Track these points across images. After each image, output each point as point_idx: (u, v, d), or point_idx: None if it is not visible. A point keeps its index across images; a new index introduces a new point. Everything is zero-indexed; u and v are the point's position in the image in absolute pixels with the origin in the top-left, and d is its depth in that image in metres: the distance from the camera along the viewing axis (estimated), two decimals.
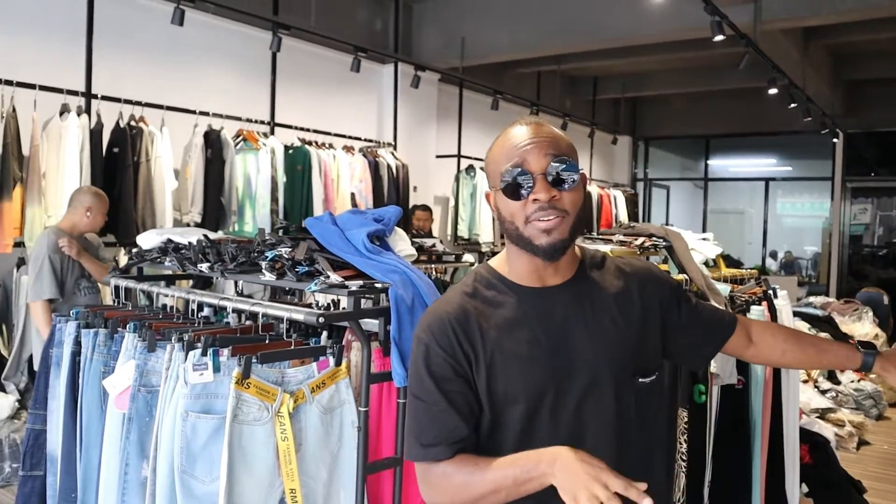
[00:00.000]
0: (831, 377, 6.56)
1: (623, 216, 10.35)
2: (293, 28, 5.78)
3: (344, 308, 2.14)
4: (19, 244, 4.32)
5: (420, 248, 4.49)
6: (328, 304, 2.64)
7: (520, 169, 1.32)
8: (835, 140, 10.61)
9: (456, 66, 7.66)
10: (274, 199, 5.68)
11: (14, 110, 4.31)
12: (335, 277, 1.97)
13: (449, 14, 7.69)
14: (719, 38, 5.23)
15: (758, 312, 3.13)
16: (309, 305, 2.53)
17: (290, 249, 2.13)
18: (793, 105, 7.80)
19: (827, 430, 4.72)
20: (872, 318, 7.95)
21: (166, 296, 2.51)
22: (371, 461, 2.08)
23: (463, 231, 8.16)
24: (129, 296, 2.78)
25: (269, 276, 2.13)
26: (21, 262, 4.38)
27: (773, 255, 12.69)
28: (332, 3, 6.88)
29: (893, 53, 9.07)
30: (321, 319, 1.87)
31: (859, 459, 5.29)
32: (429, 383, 1.34)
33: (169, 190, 4.95)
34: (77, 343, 2.38)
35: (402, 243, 2.31)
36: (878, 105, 10.43)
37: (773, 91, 7.00)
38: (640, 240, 3.14)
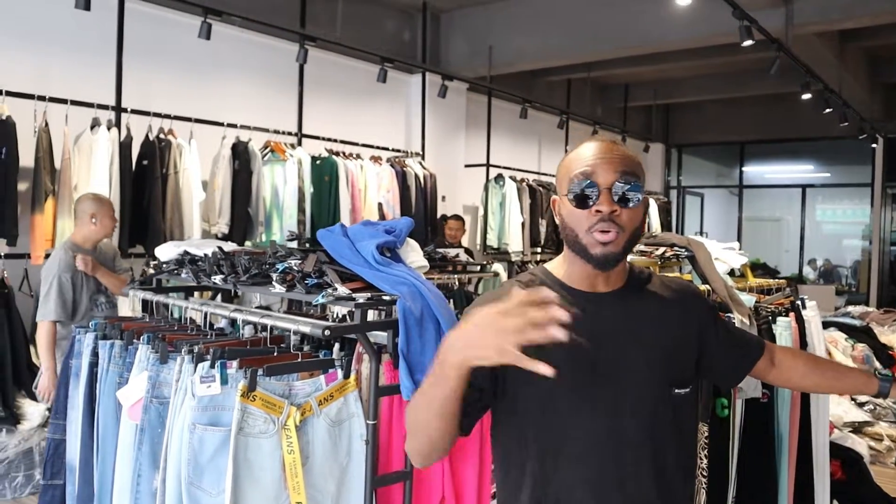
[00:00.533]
0: None
1: (655, 225, 10.22)
2: (319, 39, 5.83)
3: (354, 320, 2.13)
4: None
5: (444, 259, 4.48)
6: (344, 316, 2.64)
7: (589, 180, 1.39)
8: (874, 145, 10.35)
9: (484, 74, 7.66)
10: (301, 210, 5.72)
11: (46, 125, 4.41)
12: (342, 289, 1.97)
13: (477, 23, 7.69)
14: (748, 42, 5.14)
15: (784, 324, 3.05)
16: (325, 318, 2.54)
17: (300, 261, 2.13)
18: (828, 110, 7.63)
19: (860, 445, 4.57)
20: None
21: (186, 307, 2.53)
22: (380, 474, 2.07)
23: (492, 240, 8.12)
24: (154, 308, 2.82)
25: (279, 289, 2.13)
26: None
27: (812, 263, 12.41)
28: (360, 15, 6.93)
29: None
30: (327, 332, 1.87)
31: None
32: None
33: (197, 201, 5.01)
34: (95, 354, 2.41)
35: (413, 255, 2.30)
36: None
37: (806, 96, 6.86)
38: (661, 250, 3.09)
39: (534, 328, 1.10)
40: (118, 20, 4.85)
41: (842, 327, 7.09)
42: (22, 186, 4.38)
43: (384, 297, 2.02)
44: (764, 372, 1.71)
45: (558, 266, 1.53)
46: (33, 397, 4.24)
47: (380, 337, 2.05)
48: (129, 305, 4.21)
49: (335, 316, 2.65)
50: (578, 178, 1.40)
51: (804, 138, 11.25)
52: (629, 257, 1.56)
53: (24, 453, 4.05)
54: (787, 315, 3.13)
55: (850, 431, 5.08)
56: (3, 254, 4.32)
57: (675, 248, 3.12)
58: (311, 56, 5.76)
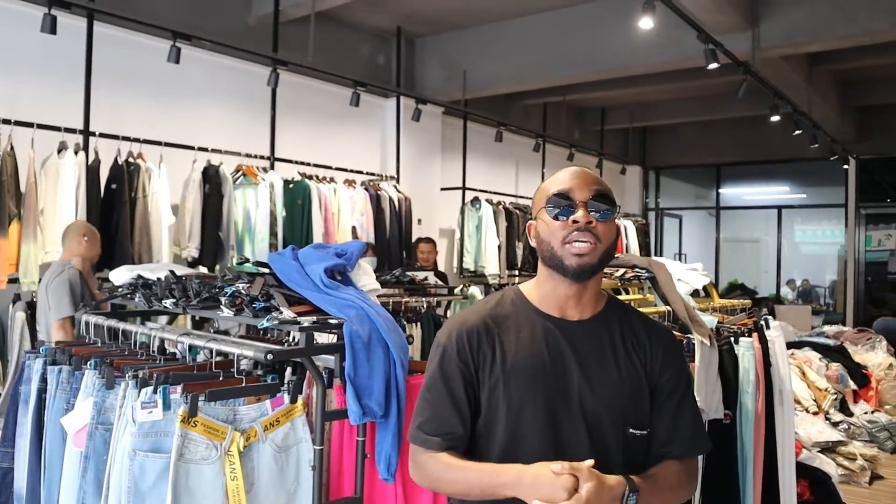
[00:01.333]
0: (843, 409, 6.40)
1: (634, 247, 10.26)
2: (291, 64, 5.85)
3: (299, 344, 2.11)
4: (14, 280, 4.35)
5: (412, 282, 4.48)
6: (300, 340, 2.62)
7: (566, 194, 1.48)
8: (846, 166, 10.48)
9: (459, 98, 7.70)
10: (273, 234, 5.70)
11: (12, 148, 4.37)
12: (288, 313, 1.95)
13: (451, 47, 7.75)
14: (713, 66, 5.21)
15: (746, 344, 3.06)
16: (280, 342, 2.52)
17: (247, 285, 2.11)
18: (798, 132, 7.72)
19: (829, 465, 4.57)
20: (887, 346, 7.77)
21: (135, 332, 2.50)
22: (331, 500, 2.04)
23: (469, 263, 8.12)
24: (111, 334, 2.78)
25: (227, 312, 2.11)
26: (17, 298, 4.42)
27: (790, 283, 12.49)
28: (334, 39, 6.96)
29: None
30: (269, 356, 1.85)
31: (872, 495, 5.12)
32: (438, 381, 1.51)
33: (166, 225, 4.98)
34: (44, 380, 2.38)
35: (365, 278, 2.29)
36: (890, 130, 10.30)
37: (775, 118, 6.94)
38: (621, 271, 3.09)
39: None
40: (87, 43, 4.84)
41: (816, 347, 7.12)
42: None
43: (330, 321, 2.00)
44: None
45: (531, 289, 1.59)
46: None
47: (327, 360, 2.03)
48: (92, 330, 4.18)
49: (293, 340, 2.63)
50: (557, 194, 1.49)
51: (779, 160, 11.37)
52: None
53: None
54: (749, 335, 3.13)
55: (818, 451, 5.08)
56: None
57: (636, 270, 3.12)
58: (284, 79, 5.77)
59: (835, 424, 6.08)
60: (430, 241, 7.10)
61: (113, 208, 4.81)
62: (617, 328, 1.55)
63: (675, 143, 12.13)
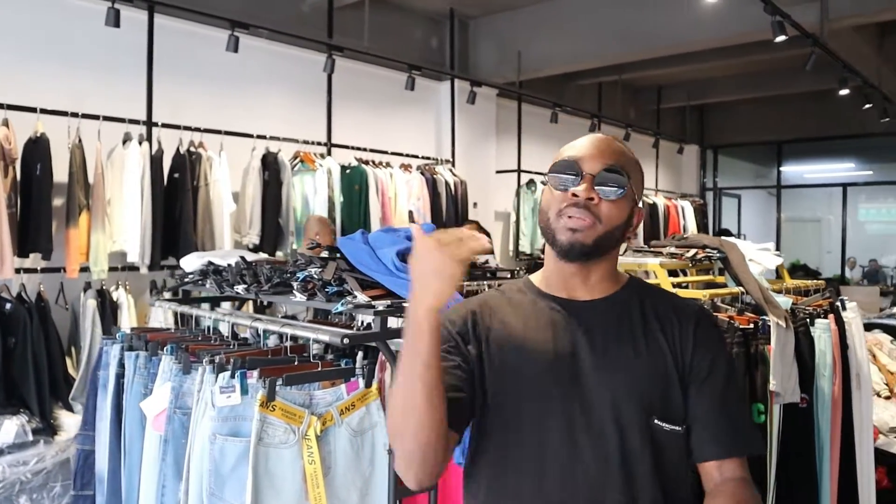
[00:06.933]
0: None
1: (692, 227, 10.04)
2: (347, 49, 5.85)
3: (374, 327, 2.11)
4: (85, 269, 4.47)
5: (473, 265, 4.44)
6: (369, 324, 2.62)
7: (573, 164, 1.33)
8: None
9: (513, 80, 7.62)
10: (331, 219, 5.73)
11: (80, 141, 4.48)
12: (362, 297, 1.95)
13: (504, 29, 7.66)
14: (781, 38, 5.02)
15: (823, 326, 2.95)
16: (351, 326, 2.52)
17: (320, 270, 2.11)
18: (868, 105, 7.43)
19: None
20: None
21: (207, 318, 2.53)
22: (404, 485, 2.04)
23: (524, 246, 8.07)
24: (181, 319, 2.84)
25: (300, 297, 2.12)
26: (87, 287, 4.53)
27: (850, 262, 12.09)
28: (387, 23, 6.94)
29: None
30: (346, 340, 1.85)
31: None
32: None
33: (227, 213, 5.05)
34: (121, 365, 2.42)
35: None
36: None
37: (844, 91, 6.68)
38: (693, 251, 3.01)
39: (466, 243, 1.14)
40: (148, 36, 4.92)
41: (887, 329, 6.88)
42: (57, 202, 4.45)
43: (405, 304, 1.98)
44: (703, 480, 1.35)
45: (539, 273, 1.47)
46: (70, 408, 4.30)
47: (399, 345, 2.02)
48: (161, 317, 4.27)
49: (362, 324, 2.63)
50: (563, 160, 1.35)
51: (844, 136, 10.98)
52: (633, 265, 1.49)
53: (61, 464, 4.10)
54: (825, 317, 3.02)
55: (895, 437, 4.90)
56: (39, 268, 4.39)
57: (707, 250, 3.04)
58: (339, 66, 5.78)
59: None
60: (473, 222, 6.98)
61: (176, 197, 4.89)
62: (637, 307, 1.38)
63: (734, 121, 11.81)
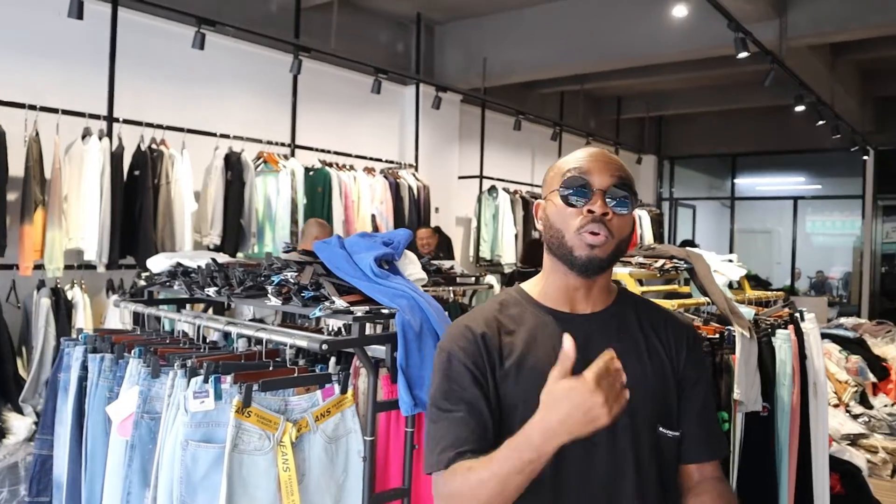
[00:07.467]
0: (863, 401, 6.37)
1: (648, 236, 10.21)
2: (314, 51, 5.81)
3: (351, 334, 2.09)
4: (39, 266, 4.34)
5: (437, 271, 4.44)
6: (339, 330, 2.59)
7: (584, 179, 1.33)
8: (865, 157, 10.41)
9: (478, 86, 7.65)
10: (294, 221, 5.68)
11: (37, 134, 4.35)
12: (340, 303, 1.93)
13: (471, 35, 7.69)
14: (743, 54, 5.15)
15: (783, 336, 3.02)
16: (320, 330, 2.49)
17: (296, 274, 2.08)
18: (821, 122, 7.66)
19: (859, 458, 4.55)
20: None
21: (177, 320, 2.48)
22: (378, 491, 2.02)
23: (485, 252, 8.09)
24: (145, 321, 2.77)
25: (274, 301, 2.09)
26: (41, 285, 4.40)
27: (799, 274, 12.44)
28: (354, 26, 6.91)
29: None
30: (325, 346, 1.82)
31: (894, 488, 5.10)
32: (448, 392, 1.33)
33: (188, 212, 4.96)
34: (84, 368, 2.35)
35: (411, 267, 2.26)
36: None
37: (800, 108, 6.88)
38: (661, 262, 3.06)
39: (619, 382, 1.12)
40: (111, 29, 4.81)
41: (835, 339, 7.08)
42: (11, 196, 4.32)
43: (383, 311, 1.97)
44: (682, 480, 1.43)
45: (534, 285, 1.46)
46: (19, 410, 4.17)
47: (377, 351, 2.01)
48: (118, 317, 4.17)
49: (329, 329, 2.60)
50: (573, 176, 1.34)
51: (796, 150, 11.31)
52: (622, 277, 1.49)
53: (10, 468, 3.96)
54: (785, 327, 3.10)
55: (847, 444, 5.06)
56: None
57: (674, 261, 3.09)
58: (305, 67, 5.73)
59: (855, 417, 6.06)
60: (429, 227, 6.97)
61: (136, 195, 4.79)
62: (634, 319, 1.42)
63: (691, 133, 12.07)
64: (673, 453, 1.39)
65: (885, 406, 6.43)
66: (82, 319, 4.48)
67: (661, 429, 1.36)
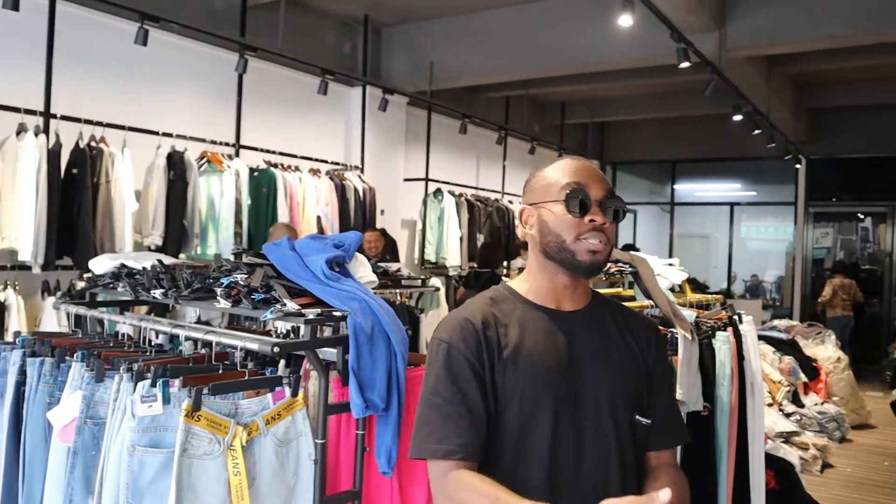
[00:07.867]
0: (795, 400, 6.61)
1: None
2: (260, 50, 5.74)
3: (303, 336, 2.08)
4: None
5: (385, 273, 4.44)
6: (287, 332, 2.57)
7: (584, 191, 1.48)
8: (798, 166, 10.80)
9: (424, 89, 7.67)
10: (238, 222, 5.59)
11: None
12: (292, 305, 1.91)
13: (418, 38, 7.70)
14: (685, 64, 5.29)
15: (723, 338, 3.12)
16: (268, 333, 2.47)
17: (246, 276, 2.06)
18: (757, 131, 7.92)
19: (792, 455, 4.72)
20: (835, 341, 8.05)
21: (121, 323, 2.43)
22: (329, 494, 2.01)
23: (430, 254, 8.11)
24: (86, 323, 2.69)
25: (224, 304, 2.06)
26: None
27: (734, 278, 12.82)
28: (301, 26, 6.85)
29: (854, 82, 9.30)
30: (276, 349, 1.81)
31: (823, 483, 5.31)
32: (446, 382, 1.42)
33: (129, 212, 4.83)
34: (22, 372, 2.28)
35: (362, 269, 2.26)
36: (839, 132, 10.64)
37: (737, 117, 7.10)
38: (607, 265, 3.12)
39: None
40: (49, 22, 4.65)
41: (769, 340, 7.33)
42: None
43: (334, 313, 1.97)
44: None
45: (521, 283, 1.57)
46: None
47: (327, 353, 2.00)
48: (55, 320, 4.04)
49: (278, 332, 2.58)
50: (575, 189, 1.48)
51: (733, 158, 11.65)
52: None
53: None
54: (725, 330, 3.20)
55: (781, 442, 5.24)
56: None
57: (619, 265, 3.16)
58: (252, 66, 5.66)
59: (788, 415, 6.29)
60: (375, 229, 6.94)
61: (74, 193, 4.65)
62: (611, 318, 1.57)
63: (633, 140, 12.32)
64: (644, 440, 1.52)
65: (816, 405, 6.69)
66: (15, 322, 4.32)
67: (637, 416, 1.50)
